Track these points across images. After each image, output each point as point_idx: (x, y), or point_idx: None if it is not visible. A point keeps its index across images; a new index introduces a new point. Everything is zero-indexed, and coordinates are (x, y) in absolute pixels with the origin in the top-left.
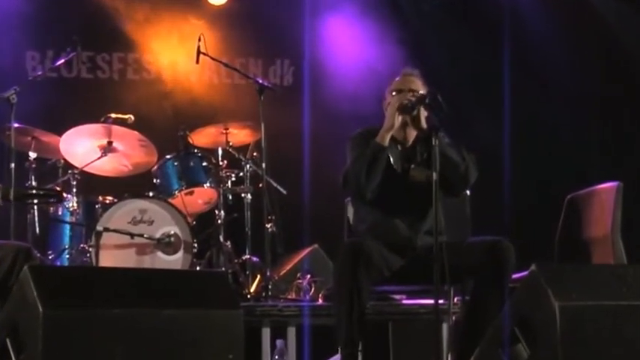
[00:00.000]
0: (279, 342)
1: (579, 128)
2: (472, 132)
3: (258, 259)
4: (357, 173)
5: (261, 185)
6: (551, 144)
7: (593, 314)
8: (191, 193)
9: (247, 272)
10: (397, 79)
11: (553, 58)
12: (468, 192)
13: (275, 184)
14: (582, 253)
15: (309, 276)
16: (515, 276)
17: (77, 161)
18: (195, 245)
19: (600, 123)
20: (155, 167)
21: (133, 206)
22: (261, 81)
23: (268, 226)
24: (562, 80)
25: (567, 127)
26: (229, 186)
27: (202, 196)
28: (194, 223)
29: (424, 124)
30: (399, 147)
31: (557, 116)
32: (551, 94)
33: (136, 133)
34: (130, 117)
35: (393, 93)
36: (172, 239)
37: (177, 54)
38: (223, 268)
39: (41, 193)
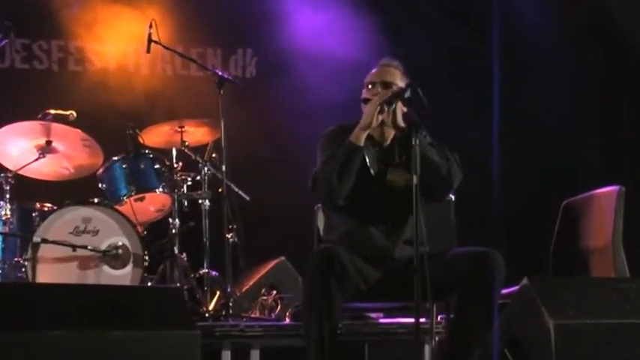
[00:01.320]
0: None
1: (576, 126)
2: (457, 130)
3: (217, 274)
4: (328, 176)
5: (220, 190)
6: (545, 143)
7: (592, 333)
8: (141, 199)
9: (205, 288)
10: (374, 70)
11: (547, 51)
12: (452, 197)
13: (236, 189)
14: (580, 264)
15: (274, 292)
16: (504, 291)
17: (11, 163)
18: (147, 258)
19: (599, 121)
20: (100, 170)
21: (75, 214)
22: (220, 73)
23: (229, 236)
24: (557, 74)
25: (563, 125)
26: (185, 191)
27: (154, 202)
28: (145, 233)
29: (402, 122)
30: (376, 147)
31: (552, 113)
32: (545, 89)
33: (78, 131)
34: (72, 113)
35: (369, 86)
36: (120, 251)
37: (125, 42)
38: (178, 284)
39: None
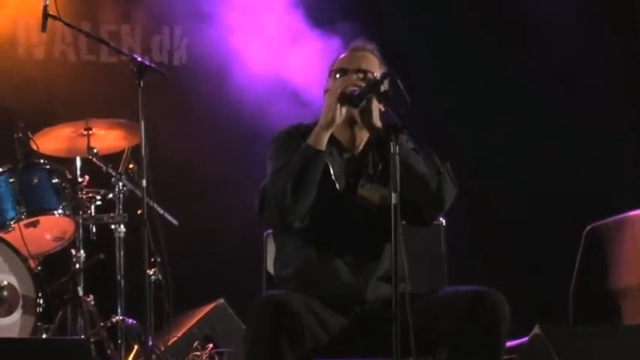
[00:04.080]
0: None
1: (603, 134)
2: (449, 134)
3: (135, 322)
4: (279, 191)
5: (140, 212)
6: (564, 154)
7: None
8: (34, 224)
9: (119, 340)
10: (343, 55)
11: (563, 41)
12: (442, 220)
13: (161, 211)
14: (608, 308)
15: (210, 345)
16: (510, 343)
17: None
18: (41, 302)
19: (632, 128)
20: None
21: None
22: (139, 58)
23: (150, 272)
24: (578, 69)
25: (587, 133)
26: (93, 213)
27: (52, 228)
28: (39, 268)
29: (377, 122)
30: (343, 155)
31: (573, 118)
32: (564, 88)
33: None
34: None
35: (337, 75)
36: (5, 293)
37: (11, 17)
38: (83, 335)
39: None
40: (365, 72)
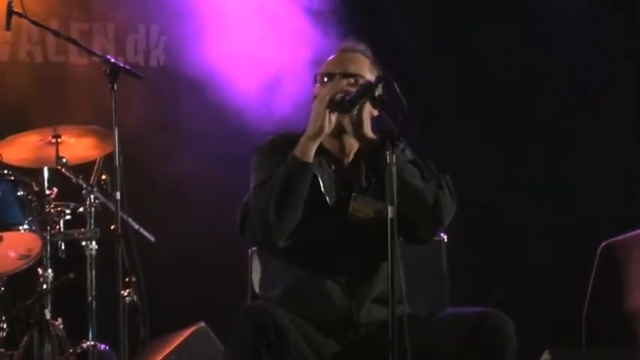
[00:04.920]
0: None
1: (619, 138)
2: (450, 141)
3: (107, 348)
4: (263, 206)
5: (113, 227)
6: (577, 162)
7: None
8: None
9: None
10: (332, 57)
11: (569, 41)
12: (443, 236)
13: (137, 226)
14: (623, 331)
15: None
16: None
17: None
18: (4, 326)
19: None
20: None
21: None
22: (113, 60)
23: (125, 293)
24: (593, 69)
25: (601, 139)
26: (61, 229)
27: (17, 245)
28: (3, 289)
29: (369, 133)
30: (333, 166)
31: (587, 123)
32: (572, 92)
33: None
34: None
35: (324, 80)
36: None
37: None
38: None
39: None
40: (354, 76)
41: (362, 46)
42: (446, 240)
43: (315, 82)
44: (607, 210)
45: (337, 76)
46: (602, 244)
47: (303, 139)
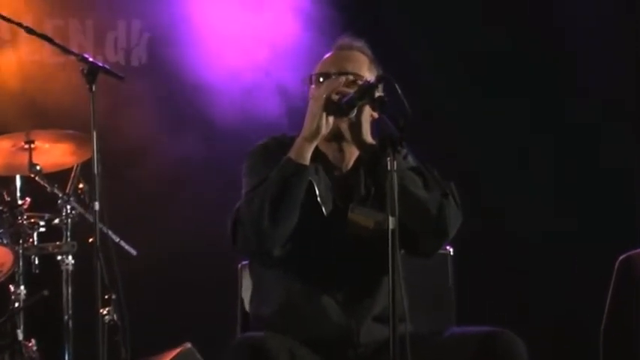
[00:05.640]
0: None
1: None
2: (455, 148)
3: None
4: (255, 213)
5: (92, 240)
6: (592, 167)
7: None
8: None
9: None
10: (327, 55)
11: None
12: (449, 249)
13: (117, 239)
14: None
15: None
16: None
17: None
18: None
19: None
20: None
21: None
22: (91, 59)
23: (104, 311)
24: (595, 72)
25: (617, 145)
26: (35, 242)
27: None
28: None
29: (368, 138)
30: (330, 173)
31: (601, 126)
32: (582, 97)
33: None
34: None
35: (320, 80)
36: None
37: None
38: None
39: None
40: (352, 75)
41: (360, 43)
42: (452, 253)
43: (311, 83)
44: (628, 222)
45: (334, 76)
46: (621, 258)
47: (298, 140)
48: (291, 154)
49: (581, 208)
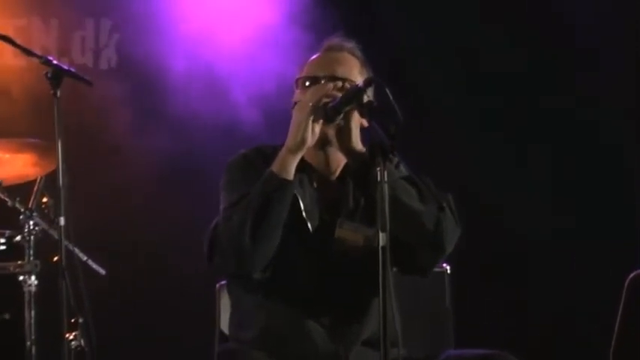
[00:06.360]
0: None
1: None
2: (453, 156)
3: None
4: (234, 232)
5: (57, 259)
6: (601, 178)
7: None
8: None
9: None
10: (315, 56)
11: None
12: (446, 267)
13: (84, 257)
14: None
15: None
16: None
17: None
18: None
19: None
20: None
21: None
22: (56, 61)
23: (70, 336)
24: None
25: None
26: None
27: None
28: None
29: (358, 144)
30: (316, 184)
31: (600, 123)
32: (589, 90)
33: None
34: None
35: (306, 84)
36: None
37: None
38: None
39: None
40: (341, 80)
41: (350, 44)
42: (449, 271)
43: (296, 87)
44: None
45: (322, 80)
46: (631, 276)
47: (282, 153)
48: (274, 167)
49: (589, 221)
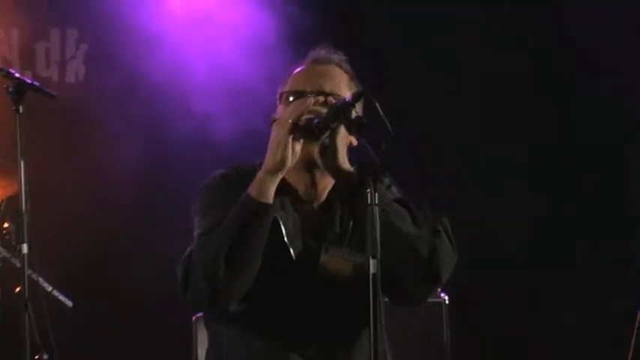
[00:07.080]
0: None
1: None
2: (449, 176)
3: None
4: (208, 262)
5: (19, 290)
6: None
7: None
8: None
9: None
10: (300, 69)
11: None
12: (444, 297)
13: (50, 288)
14: None
15: None
16: None
17: None
18: None
19: None
20: None
21: None
22: (18, 74)
23: None
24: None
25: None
26: None
27: None
28: None
29: (345, 164)
30: (299, 207)
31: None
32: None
33: None
34: None
35: (291, 98)
36: None
37: None
38: None
39: None
40: (328, 95)
41: (338, 57)
42: (447, 301)
43: (279, 102)
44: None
45: (310, 95)
46: None
47: (260, 174)
48: (252, 190)
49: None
